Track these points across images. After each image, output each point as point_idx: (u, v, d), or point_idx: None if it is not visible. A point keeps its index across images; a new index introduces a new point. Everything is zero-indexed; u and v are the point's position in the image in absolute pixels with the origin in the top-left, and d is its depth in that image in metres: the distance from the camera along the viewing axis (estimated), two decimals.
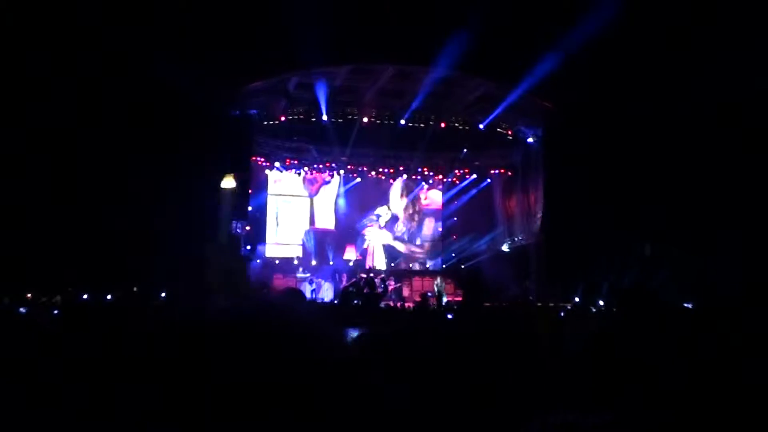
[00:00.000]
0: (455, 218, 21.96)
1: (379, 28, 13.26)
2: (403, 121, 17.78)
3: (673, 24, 12.23)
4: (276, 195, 20.47)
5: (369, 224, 21.37)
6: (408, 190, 21.81)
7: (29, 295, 11.18)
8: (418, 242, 22.07)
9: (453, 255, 21.66)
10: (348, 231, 21.11)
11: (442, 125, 18.08)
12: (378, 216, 21.45)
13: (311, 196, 20.92)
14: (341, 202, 21.08)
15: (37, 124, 11.87)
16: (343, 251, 20.86)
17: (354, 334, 3.14)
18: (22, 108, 11.80)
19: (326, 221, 21.08)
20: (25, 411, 1.84)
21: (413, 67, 15.85)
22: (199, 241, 13.73)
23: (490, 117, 17.50)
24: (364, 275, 18.13)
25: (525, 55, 13.74)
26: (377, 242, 21.47)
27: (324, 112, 17.20)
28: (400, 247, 21.82)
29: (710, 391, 2.88)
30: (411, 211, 22.00)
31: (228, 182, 15.09)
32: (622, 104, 13.71)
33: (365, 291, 10.61)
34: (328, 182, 20.97)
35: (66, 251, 11.91)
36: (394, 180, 21.12)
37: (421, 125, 18.19)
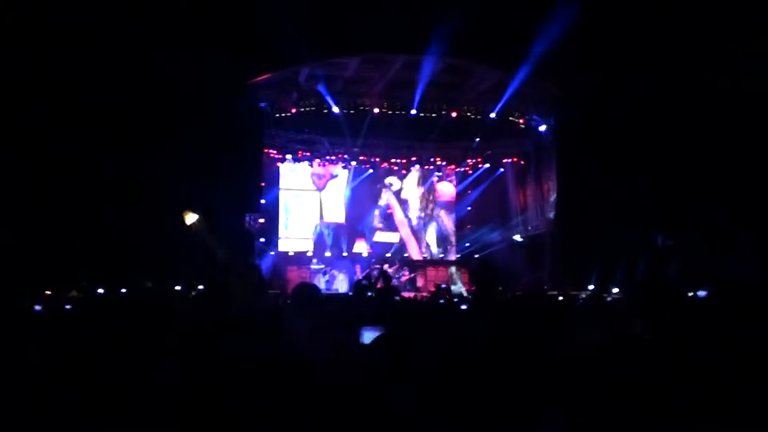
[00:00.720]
0: (469, 208, 21.99)
1: (388, 17, 13.21)
2: (414, 111, 17.69)
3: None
4: (285, 189, 20.56)
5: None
6: (424, 179, 21.83)
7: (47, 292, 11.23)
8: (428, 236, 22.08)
9: (467, 245, 21.70)
10: (358, 224, 21.17)
11: (454, 115, 17.98)
12: (390, 184, 21.50)
13: (319, 190, 20.99)
14: (349, 195, 21.22)
15: (34, 124, 11.88)
16: (353, 244, 20.97)
17: (369, 335, 3.14)
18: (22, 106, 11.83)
19: (336, 215, 21.16)
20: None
21: (422, 56, 15.80)
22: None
23: (499, 105, 17.39)
24: (378, 266, 18.18)
25: (535, 42, 13.65)
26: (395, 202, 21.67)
27: (334, 103, 17.17)
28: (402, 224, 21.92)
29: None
30: (425, 201, 22.00)
31: (190, 218, 13.59)
32: (636, 91, 13.60)
33: (379, 285, 10.59)
34: (336, 176, 21.04)
35: (71, 251, 11.95)
36: (407, 171, 21.10)
37: (433, 115, 18.12)
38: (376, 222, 21.34)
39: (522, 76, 15.28)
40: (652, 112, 13.53)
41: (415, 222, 21.88)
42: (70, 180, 12.30)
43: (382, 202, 21.50)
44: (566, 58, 13.60)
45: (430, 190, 22.02)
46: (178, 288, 12.05)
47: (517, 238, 19.56)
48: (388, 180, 21.50)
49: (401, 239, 21.59)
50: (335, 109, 17.28)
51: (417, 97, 17.29)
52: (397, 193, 21.72)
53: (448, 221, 22.24)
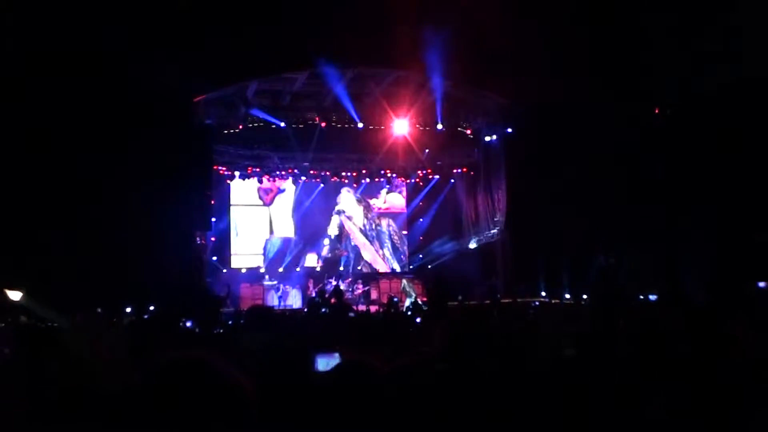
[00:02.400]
0: (421, 219, 22.07)
1: (336, 31, 13.22)
2: (361, 125, 17.69)
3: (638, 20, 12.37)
4: (235, 206, 20.39)
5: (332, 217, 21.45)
6: (362, 198, 21.87)
7: None
8: (381, 245, 22.11)
9: (420, 256, 21.77)
10: (308, 238, 21.08)
11: (404, 127, 18.02)
12: (341, 211, 21.47)
13: (267, 205, 20.87)
14: (298, 209, 21.09)
15: None
16: (304, 258, 20.87)
17: (323, 362, 3.10)
18: None
19: (285, 229, 21.04)
20: None
21: (373, 69, 15.87)
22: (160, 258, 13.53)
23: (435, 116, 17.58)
24: (331, 281, 18.08)
25: (479, 52, 13.80)
26: (352, 225, 21.60)
27: (279, 119, 17.08)
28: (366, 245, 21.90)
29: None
30: (369, 215, 22.02)
31: (14, 295, 11.69)
32: (582, 99, 13.84)
33: (332, 301, 10.53)
34: (283, 191, 20.94)
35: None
36: (357, 184, 21.07)
37: (382, 127, 18.14)
38: (325, 252, 21.30)
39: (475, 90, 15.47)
40: (599, 120, 13.77)
41: (367, 236, 21.89)
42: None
43: (332, 231, 21.43)
44: (512, 67, 13.77)
45: (368, 205, 22.04)
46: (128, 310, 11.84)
47: (472, 245, 19.70)
48: (337, 207, 21.47)
49: (353, 252, 21.56)
50: (282, 124, 17.18)
51: (370, 111, 17.35)
52: (349, 217, 21.71)
53: (398, 233, 22.28)
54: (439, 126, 17.99)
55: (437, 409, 2.33)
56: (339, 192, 21.41)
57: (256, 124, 17.22)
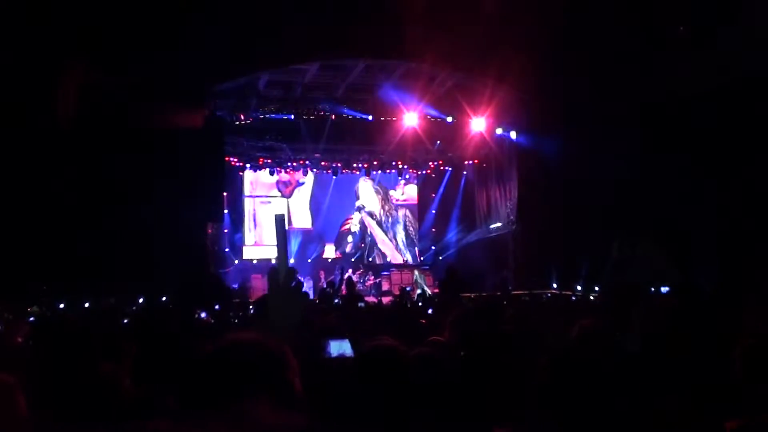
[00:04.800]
0: (433, 211, 22.10)
1: (346, 22, 13.19)
2: (371, 117, 17.73)
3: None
4: (251, 197, 20.46)
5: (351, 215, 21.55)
6: (380, 186, 21.92)
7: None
8: (395, 236, 22.17)
9: (432, 247, 21.82)
10: (325, 229, 21.19)
11: (414, 118, 18.01)
12: (361, 207, 21.55)
13: (286, 197, 20.95)
14: (315, 201, 21.17)
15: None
16: (322, 250, 20.97)
17: (336, 346, 3.12)
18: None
19: (303, 221, 21.14)
20: None
21: (383, 61, 15.83)
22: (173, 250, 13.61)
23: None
24: (338, 272, 18.21)
25: (492, 45, 13.73)
26: (371, 221, 21.72)
27: (293, 111, 17.15)
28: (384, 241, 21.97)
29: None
30: (386, 207, 22.07)
31: None
32: (598, 94, 13.74)
33: (343, 291, 10.56)
34: (302, 183, 21.03)
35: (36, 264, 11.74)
36: (369, 175, 21.11)
37: (393, 119, 18.15)
38: (349, 249, 21.41)
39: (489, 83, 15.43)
40: (615, 113, 13.68)
41: (383, 228, 21.98)
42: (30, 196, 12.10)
43: (354, 228, 21.51)
44: (528, 61, 13.70)
45: (385, 195, 22.10)
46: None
47: (483, 237, 19.70)
48: (357, 203, 21.59)
49: (370, 243, 21.66)
50: (293, 117, 17.27)
51: (381, 102, 17.36)
52: (369, 212, 21.79)
53: (413, 224, 22.34)
54: (450, 118, 18.01)
55: (449, 397, 2.34)
56: (355, 182, 21.48)
57: (267, 116, 17.27)
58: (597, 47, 12.99)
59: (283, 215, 2.97)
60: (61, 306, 11.66)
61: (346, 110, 17.43)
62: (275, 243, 4.17)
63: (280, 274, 2.52)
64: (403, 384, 2.06)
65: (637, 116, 13.31)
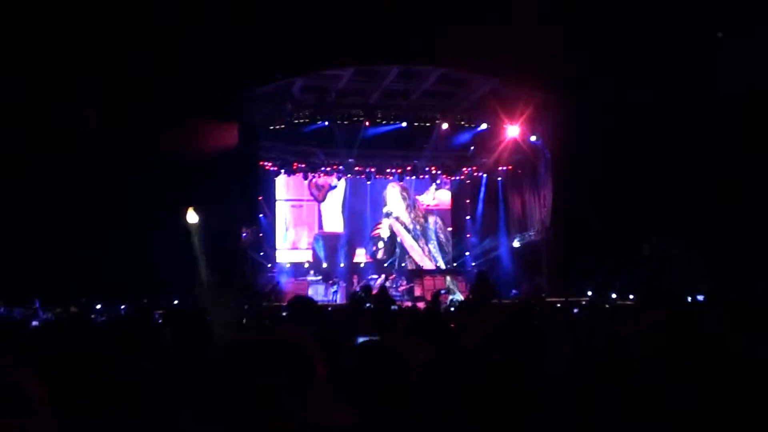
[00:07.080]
0: (467, 216, 22.04)
1: (381, 27, 13.20)
2: (404, 124, 17.78)
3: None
4: (283, 201, 20.59)
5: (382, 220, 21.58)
6: (407, 192, 21.90)
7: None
8: (427, 243, 22.13)
9: (466, 253, 21.75)
10: (357, 234, 21.22)
11: (448, 124, 18.00)
12: (389, 213, 21.56)
13: (319, 202, 21.04)
14: (347, 205, 21.26)
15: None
16: (353, 254, 20.99)
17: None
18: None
19: (335, 225, 21.19)
20: None
21: (417, 67, 15.84)
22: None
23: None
24: (375, 277, 18.13)
25: (529, 51, 13.65)
26: (400, 227, 21.72)
27: (327, 115, 17.26)
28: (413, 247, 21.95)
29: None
30: (414, 213, 22.03)
31: (191, 216, 13.63)
32: (632, 99, 13.58)
33: (377, 297, 10.56)
34: (335, 187, 21.10)
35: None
36: (402, 180, 21.11)
37: (427, 125, 18.16)
38: (380, 255, 21.45)
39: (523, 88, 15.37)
40: (649, 120, 13.52)
41: (412, 234, 21.95)
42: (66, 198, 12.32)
43: (384, 234, 21.56)
44: (563, 66, 13.61)
45: (413, 201, 22.07)
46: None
47: (515, 244, 19.59)
48: (385, 209, 21.61)
49: (401, 251, 21.64)
50: (326, 123, 17.38)
51: (416, 108, 17.40)
52: (396, 218, 21.80)
53: (444, 230, 22.28)
54: (484, 125, 17.99)
55: (476, 400, 2.33)
56: (386, 188, 21.51)
57: (301, 121, 17.38)
58: (632, 53, 12.85)
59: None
60: (98, 307, 11.89)
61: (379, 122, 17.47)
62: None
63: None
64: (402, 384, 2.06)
65: (673, 121, 13.14)
